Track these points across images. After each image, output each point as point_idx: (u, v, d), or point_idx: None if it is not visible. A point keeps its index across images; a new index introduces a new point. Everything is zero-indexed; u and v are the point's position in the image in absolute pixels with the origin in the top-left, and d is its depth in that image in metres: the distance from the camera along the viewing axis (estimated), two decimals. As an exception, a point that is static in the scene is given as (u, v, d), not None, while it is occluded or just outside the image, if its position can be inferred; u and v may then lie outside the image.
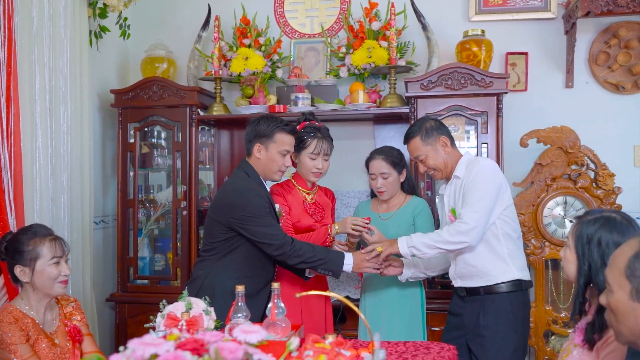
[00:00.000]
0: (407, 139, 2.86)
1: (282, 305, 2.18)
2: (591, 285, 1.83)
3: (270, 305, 2.18)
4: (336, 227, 2.95)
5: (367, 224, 2.91)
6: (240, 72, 3.90)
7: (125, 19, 3.96)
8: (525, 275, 2.71)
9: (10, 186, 2.85)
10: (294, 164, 3.07)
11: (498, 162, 3.41)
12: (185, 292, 2.21)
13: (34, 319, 2.34)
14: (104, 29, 3.78)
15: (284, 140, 2.79)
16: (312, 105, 3.77)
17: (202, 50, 4.09)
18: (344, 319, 3.48)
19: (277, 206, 2.91)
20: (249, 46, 3.97)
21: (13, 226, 2.81)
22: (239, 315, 2.12)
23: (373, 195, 3.23)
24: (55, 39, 3.24)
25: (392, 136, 3.94)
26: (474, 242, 2.61)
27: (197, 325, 2.02)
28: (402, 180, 3.10)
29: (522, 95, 3.88)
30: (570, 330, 1.94)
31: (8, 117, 2.87)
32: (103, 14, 3.66)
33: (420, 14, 3.79)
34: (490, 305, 2.67)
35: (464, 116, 3.56)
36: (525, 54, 3.86)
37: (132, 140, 3.93)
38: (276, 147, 2.78)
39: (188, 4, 4.32)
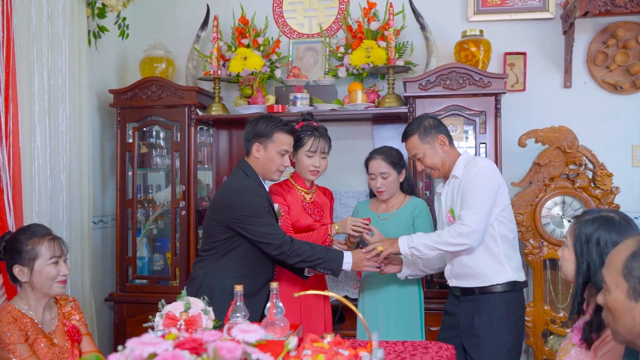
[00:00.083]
0: (405, 137, 2.86)
1: (281, 304, 2.19)
2: (589, 284, 1.83)
3: (268, 304, 2.18)
4: (336, 227, 2.95)
5: (367, 224, 2.92)
6: (238, 72, 3.90)
7: (124, 19, 3.96)
8: (520, 276, 2.72)
9: (9, 186, 2.85)
10: (293, 164, 3.07)
11: (496, 162, 3.42)
12: (184, 291, 2.22)
13: (33, 319, 2.34)
14: (102, 28, 3.78)
15: (283, 140, 2.79)
16: (310, 105, 3.78)
17: (200, 50, 4.09)
18: (342, 319, 3.49)
19: (276, 206, 2.91)
20: (248, 46, 3.97)
21: (12, 226, 2.82)
22: (238, 314, 2.13)
23: (372, 195, 3.24)
24: (54, 39, 3.24)
25: (390, 136, 3.95)
26: (475, 244, 2.62)
27: (195, 324, 2.03)
28: (401, 180, 3.11)
29: (521, 95, 3.89)
30: (568, 330, 1.95)
31: (7, 117, 2.87)
32: (102, 14, 3.66)
33: (418, 14, 3.79)
34: (484, 305, 2.68)
35: (463, 116, 3.57)
36: (524, 54, 3.87)
37: (130, 140, 3.93)
38: (275, 147, 2.78)
39: (187, 4, 4.32)
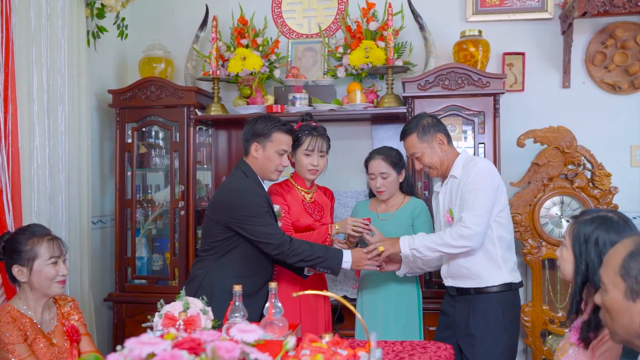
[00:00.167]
0: (403, 136, 2.86)
1: (280, 304, 2.19)
2: (588, 284, 1.84)
3: (267, 304, 2.18)
4: (336, 227, 2.96)
5: (368, 224, 2.92)
6: (237, 72, 3.91)
7: (123, 19, 3.96)
8: (515, 277, 2.73)
9: (8, 186, 2.86)
10: (293, 164, 3.08)
11: (495, 162, 3.42)
12: (182, 291, 2.22)
13: (32, 319, 2.34)
14: (101, 29, 3.78)
15: (281, 140, 2.79)
16: (309, 106, 3.78)
17: (199, 50, 4.09)
18: (341, 319, 3.50)
19: (277, 207, 2.92)
20: (247, 46, 3.97)
21: (11, 226, 2.82)
22: (236, 314, 2.13)
23: (371, 195, 3.24)
24: (53, 39, 3.24)
25: (389, 136, 3.95)
26: (476, 246, 2.62)
27: (194, 324, 2.03)
28: (401, 180, 3.11)
29: (519, 95, 3.89)
30: (566, 330, 1.95)
31: (6, 117, 2.88)
32: (101, 14, 3.67)
33: (417, 14, 3.79)
34: (480, 305, 2.68)
35: (461, 116, 3.57)
36: (522, 54, 3.87)
37: (129, 140, 3.93)
38: (273, 147, 2.78)
39: (186, 4, 4.32)
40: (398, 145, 3.09)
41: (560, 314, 3.55)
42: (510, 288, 2.69)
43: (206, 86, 4.12)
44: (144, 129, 4.02)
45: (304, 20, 4.19)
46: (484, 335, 2.65)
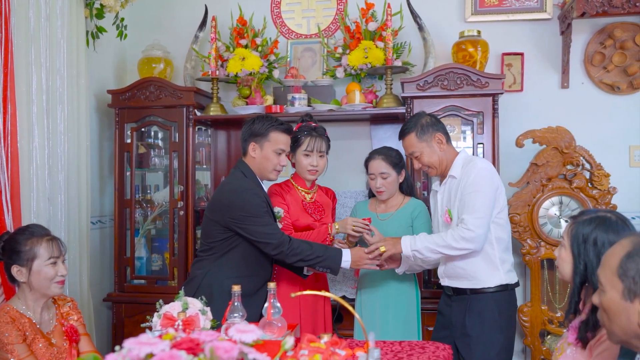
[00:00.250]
0: (402, 135, 2.85)
1: (279, 305, 2.19)
2: (587, 284, 1.84)
3: (266, 305, 2.19)
4: (336, 227, 2.96)
5: (368, 225, 2.92)
6: (237, 73, 3.91)
7: (122, 19, 3.97)
8: (512, 278, 2.73)
9: (7, 186, 2.86)
10: (293, 165, 3.09)
11: (494, 162, 3.42)
12: (181, 292, 2.22)
13: (31, 319, 2.34)
14: (100, 29, 3.78)
15: (279, 139, 2.80)
16: (308, 106, 3.78)
17: (199, 50, 4.09)
18: (340, 319, 3.50)
19: (280, 209, 2.93)
20: (246, 47, 3.97)
21: (10, 226, 2.82)
22: (235, 315, 2.13)
23: (371, 195, 3.24)
24: (52, 40, 3.24)
25: (388, 136, 3.95)
26: (478, 248, 2.62)
27: (193, 324, 2.03)
28: (400, 180, 3.11)
29: (518, 95, 3.89)
30: (565, 330, 1.96)
31: (5, 117, 2.88)
32: (100, 15, 3.67)
33: (416, 15, 3.80)
34: (476, 304, 2.69)
35: (460, 116, 3.57)
36: (521, 54, 3.87)
37: (129, 141, 3.93)
38: (271, 146, 2.79)
39: (185, 5, 4.32)
40: (397, 145, 3.09)
41: (559, 314, 3.56)
42: (506, 288, 2.70)
43: (205, 86, 4.12)
44: (143, 129, 4.03)
45: (303, 21, 4.19)
46: (480, 335, 2.66)
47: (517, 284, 2.77)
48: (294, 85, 3.87)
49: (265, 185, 2.93)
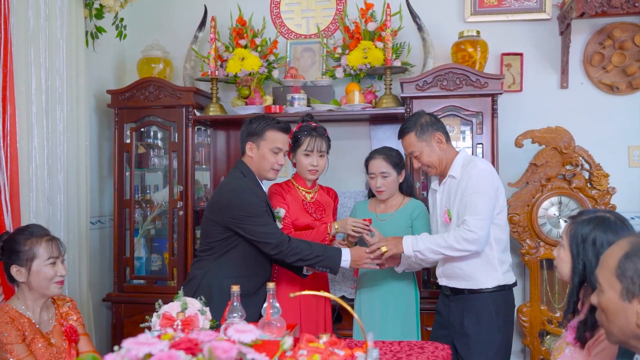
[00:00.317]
0: (401, 134, 2.85)
1: (278, 305, 2.19)
2: (585, 284, 1.84)
3: (265, 305, 2.19)
4: (336, 227, 2.96)
5: (368, 225, 2.92)
6: (236, 73, 3.91)
7: (122, 19, 3.97)
8: (509, 278, 2.74)
9: (7, 186, 2.86)
10: (294, 165, 3.09)
11: (493, 162, 3.43)
12: (180, 292, 2.22)
13: (30, 319, 2.34)
14: (100, 29, 3.78)
15: (275, 138, 2.80)
16: (308, 106, 3.78)
17: (198, 50, 4.10)
18: (339, 319, 3.50)
19: (280, 210, 2.93)
20: (245, 47, 3.98)
21: (9, 226, 2.82)
22: (234, 315, 2.13)
23: (370, 195, 3.25)
24: (51, 40, 3.24)
25: (388, 136, 3.95)
26: (480, 249, 2.63)
27: (192, 325, 2.04)
28: (400, 180, 3.12)
29: (517, 95, 3.90)
30: (564, 330, 1.96)
31: (4, 117, 2.88)
32: (99, 15, 3.67)
33: (415, 15, 3.80)
34: (473, 304, 2.69)
35: (459, 117, 3.58)
36: (520, 54, 3.87)
37: (128, 141, 3.94)
38: (267, 145, 2.79)
39: (184, 5, 4.33)
40: (397, 145, 3.09)
41: (558, 314, 3.56)
42: (504, 288, 2.71)
43: (205, 86, 4.12)
44: (142, 129, 4.03)
45: (302, 21, 4.19)
46: (478, 335, 2.66)
47: (514, 284, 2.77)
48: (293, 85, 3.87)
49: (266, 185, 2.94)
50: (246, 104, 3.90)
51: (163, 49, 4.13)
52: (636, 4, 3.30)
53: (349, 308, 1.75)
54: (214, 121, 4.05)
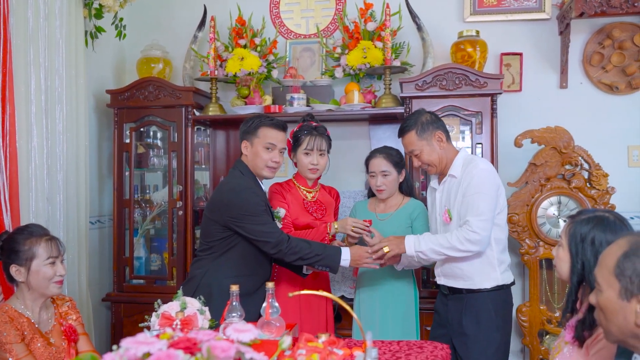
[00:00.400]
0: (402, 133, 2.84)
1: (277, 304, 2.19)
2: (584, 283, 1.84)
3: (264, 304, 2.19)
4: (335, 227, 2.96)
5: (368, 226, 2.92)
6: (235, 73, 3.91)
7: (121, 19, 3.97)
8: (508, 278, 2.74)
9: (6, 186, 2.86)
10: (295, 164, 3.09)
11: (492, 162, 3.43)
12: (180, 291, 2.22)
13: (30, 319, 2.34)
14: (99, 29, 3.78)
15: (267, 134, 2.80)
16: (307, 106, 3.78)
17: (197, 50, 4.10)
18: (339, 318, 3.50)
19: (280, 210, 2.93)
20: (245, 46, 3.98)
21: (8, 226, 2.82)
22: (234, 314, 2.13)
23: (370, 195, 3.25)
24: (50, 40, 3.24)
25: (387, 136, 3.95)
26: (482, 249, 2.63)
27: (191, 324, 2.03)
28: (400, 180, 3.12)
29: (517, 95, 3.90)
30: (563, 329, 1.97)
31: (4, 117, 2.88)
32: (99, 15, 3.67)
33: (415, 15, 3.80)
34: (472, 303, 2.70)
35: (459, 116, 3.58)
36: (520, 54, 3.87)
37: (128, 141, 3.94)
38: (260, 142, 2.79)
39: (184, 5, 4.32)
40: (396, 145, 3.09)
41: (557, 314, 3.56)
42: (502, 287, 2.71)
43: (204, 86, 4.12)
44: (142, 129, 4.03)
45: (302, 21, 4.19)
46: (476, 334, 2.66)
47: (512, 283, 2.77)
48: (292, 85, 3.87)
49: (267, 185, 2.93)
50: (245, 103, 3.90)
51: (162, 49, 4.13)
52: (635, 4, 3.30)
53: (348, 308, 1.75)
54: (214, 121, 4.05)
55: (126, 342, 1.15)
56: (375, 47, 3.75)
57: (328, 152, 3.07)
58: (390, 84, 3.72)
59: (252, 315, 2.47)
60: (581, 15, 3.38)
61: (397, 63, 3.75)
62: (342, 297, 3.58)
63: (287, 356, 1.57)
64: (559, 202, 3.59)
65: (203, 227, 2.87)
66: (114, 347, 1.17)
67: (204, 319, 2.10)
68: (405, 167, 3.14)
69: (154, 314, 2.11)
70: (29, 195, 3.04)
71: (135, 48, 4.22)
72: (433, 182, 2.94)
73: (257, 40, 4.00)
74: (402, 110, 3.61)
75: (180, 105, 3.84)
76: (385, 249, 2.75)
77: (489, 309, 2.67)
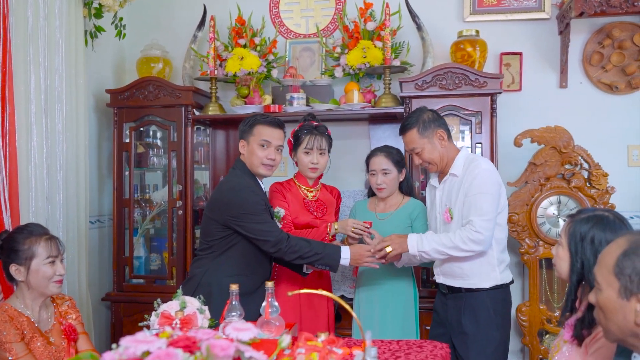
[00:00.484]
0: (403, 131, 2.83)
1: (276, 304, 2.19)
2: (583, 282, 1.85)
3: (264, 304, 2.19)
4: (336, 227, 2.96)
5: (369, 227, 2.92)
6: (235, 72, 3.91)
7: (121, 19, 3.96)
8: (507, 277, 2.74)
9: (6, 185, 2.86)
10: (296, 163, 3.10)
11: (492, 161, 3.42)
12: (179, 291, 2.22)
13: (29, 318, 2.34)
14: (99, 29, 3.78)
15: (262, 132, 2.79)
16: (307, 105, 3.78)
17: (197, 50, 4.10)
18: (339, 318, 3.50)
19: (280, 209, 2.93)
20: (245, 46, 3.98)
21: (8, 225, 2.82)
22: (233, 313, 2.13)
23: (370, 194, 3.24)
24: (50, 39, 3.24)
25: (387, 136, 3.95)
26: (485, 249, 2.63)
27: (191, 323, 2.03)
28: (401, 179, 3.12)
29: (516, 95, 3.90)
30: (562, 328, 1.97)
31: (3, 116, 2.88)
32: (98, 14, 3.67)
33: (414, 15, 3.80)
34: (471, 302, 2.70)
35: (459, 116, 3.58)
36: (520, 54, 3.87)
37: (127, 140, 3.94)
38: (255, 140, 2.79)
39: (183, 4, 4.33)
40: (396, 145, 3.09)
41: (557, 314, 3.56)
42: (501, 287, 2.71)
43: (204, 86, 4.12)
44: (141, 129, 4.03)
45: (301, 20, 4.19)
46: (476, 333, 2.66)
47: (511, 282, 2.77)
48: (292, 84, 3.87)
49: (267, 184, 2.93)
50: (245, 103, 3.90)
51: (162, 49, 4.13)
52: (635, 4, 3.30)
53: (347, 307, 1.75)
54: (213, 120, 4.05)
55: (125, 341, 1.15)
56: (375, 46, 3.75)
57: (329, 151, 3.07)
58: (390, 84, 3.72)
59: (252, 315, 2.47)
60: (581, 14, 3.38)
61: (396, 63, 3.75)
62: (342, 297, 3.58)
63: (287, 355, 1.57)
64: (559, 202, 3.59)
65: (203, 226, 2.87)
66: (114, 345, 1.17)
67: (203, 318, 2.10)
68: (405, 166, 3.14)
69: (153, 313, 2.11)
70: (29, 195, 3.04)
71: (135, 48, 4.22)
72: (433, 180, 2.93)
73: (256, 40, 4.00)
74: (402, 110, 3.61)
75: (180, 105, 3.84)
76: (388, 249, 2.74)
77: (488, 308, 2.67)
